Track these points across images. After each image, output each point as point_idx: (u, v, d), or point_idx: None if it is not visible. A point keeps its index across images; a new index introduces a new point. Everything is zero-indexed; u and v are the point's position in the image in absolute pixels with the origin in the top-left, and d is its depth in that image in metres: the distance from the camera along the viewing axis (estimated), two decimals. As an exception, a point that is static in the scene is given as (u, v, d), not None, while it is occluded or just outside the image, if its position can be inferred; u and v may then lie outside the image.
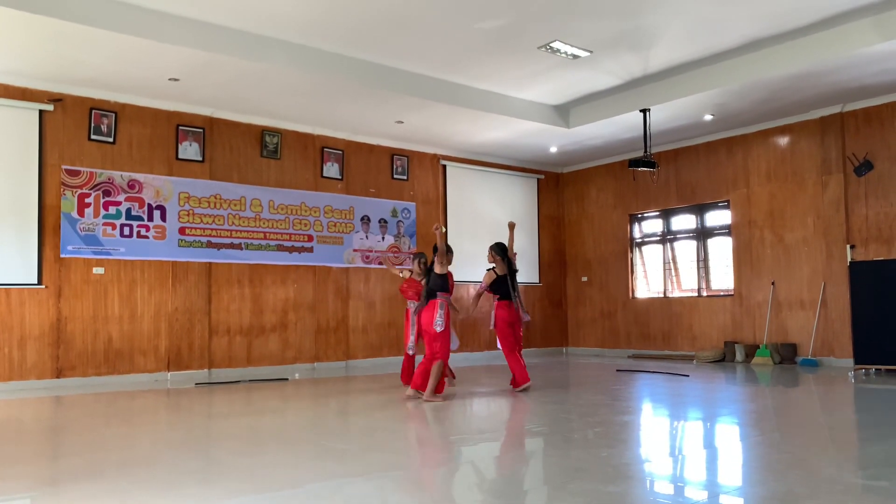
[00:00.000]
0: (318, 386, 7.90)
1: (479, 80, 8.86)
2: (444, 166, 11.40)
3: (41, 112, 7.90)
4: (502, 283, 7.16)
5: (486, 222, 11.78)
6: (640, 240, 11.92)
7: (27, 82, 7.79)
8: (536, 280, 12.43)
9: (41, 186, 7.86)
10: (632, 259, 11.92)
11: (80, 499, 3.17)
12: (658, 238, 11.64)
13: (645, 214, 11.79)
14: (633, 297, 11.81)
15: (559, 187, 12.94)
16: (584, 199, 12.62)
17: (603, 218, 12.27)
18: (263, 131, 9.51)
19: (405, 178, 10.93)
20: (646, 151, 9.73)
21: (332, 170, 10.14)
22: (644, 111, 9.29)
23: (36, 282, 7.75)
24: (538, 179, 12.60)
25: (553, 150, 11.47)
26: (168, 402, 6.79)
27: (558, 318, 12.73)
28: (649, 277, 11.84)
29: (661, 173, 10.76)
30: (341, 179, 10.24)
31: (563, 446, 4.32)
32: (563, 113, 10.07)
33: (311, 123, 9.78)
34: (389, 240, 10.64)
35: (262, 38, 7.38)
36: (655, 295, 11.60)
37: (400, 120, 9.67)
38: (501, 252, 7.17)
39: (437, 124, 9.91)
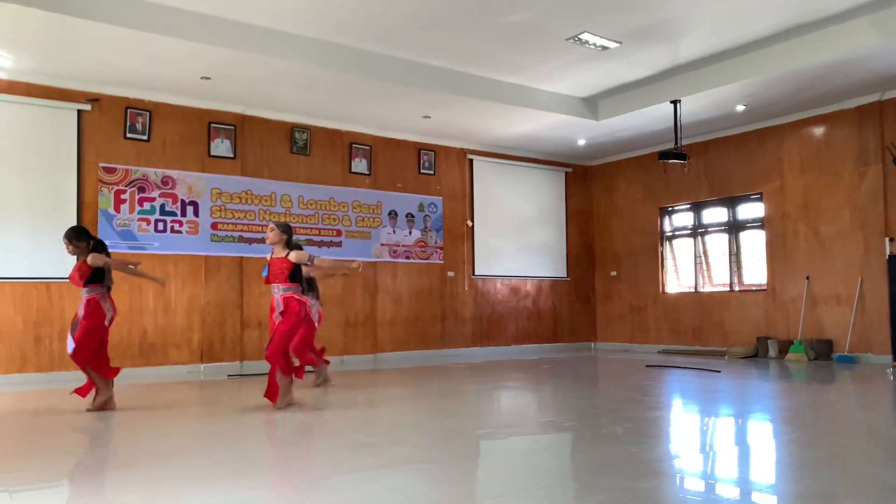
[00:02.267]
0: (347, 379, 7.97)
1: (507, 74, 8.84)
2: (471, 160, 11.39)
3: (79, 112, 8.09)
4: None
5: (512, 216, 11.76)
6: (670, 233, 11.79)
7: (66, 83, 7.97)
8: (564, 275, 12.38)
9: (80, 184, 8.05)
10: (662, 253, 11.80)
11: (116, 488, 3.26)
12: (689, 231, 11.51)
13: (675, 207, 11.66)
14: (664, 292, 11.69)
15: (587, 180, 12.85)
16: (613, 193, 12.52)
17: (632, 211, 12.16)
18: (293, 128, 9.60)
19: (432, 172, 10.96)
20: (676, 143, 9.61)
21: (360, 165, 10.21)
22: (674, 102, 9.18)
23: (74, 276, 7.93)
24: (566, 173, 12.53)
25: (581, 142, 11.39)
26: (201, 393, 6.92)
27: (587, 313, 12.66)
28: (680, 272, 11.71)
29: (692, 165, 10.62)
30: (369, 175, 10.30)
31: (591, 442, 4.32)
32: (592, 105, 9.99)
33: (340, 120, 9.85)
34: (416, 234, 10.68)
35: (291, 35, 7.45)
36: (686, 289, 11.47)
37: (427, 115, 9.69)
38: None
39: (464, 119, 9.90)
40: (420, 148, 10.83)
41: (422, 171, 10.85)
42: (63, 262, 7.88)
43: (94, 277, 5.62)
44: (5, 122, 7.69)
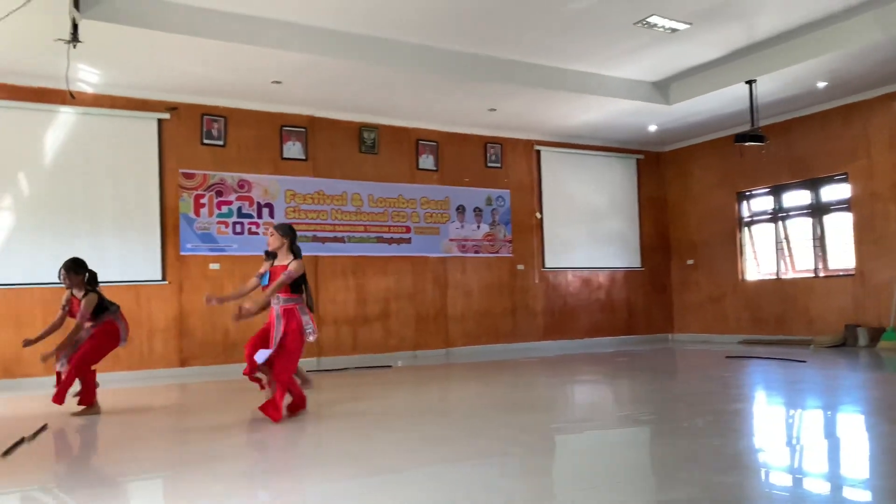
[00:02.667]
0: (420, 373, 8.07)
1: (573, 62, 8.71)
2: (539, 152, 11.29)
3: (159, 121, 8.47)
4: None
5: (583, 207, 11.59)
6: (748, 219, 11.37)
7: (146, 94, 8.35)
8: (638, 265, 12.12)
9: (161, 190, 8.43)
10: (740, 239, 11.39)
11: (203, 479, 3.40)
12: (769, 216, 11.06)
13: (754, 192, 11.22)
14: (743, 280, 11.29)
15: (660, 167, 12.53)
16: (687, 179, 12.15)
17: (708, 197, 11.77)
18: (361, 128, 9.75)
19: (499, 165, 10.92)
20: (753, 125, 9.25)
21: (427, 161, 10.27)
22: (750, 82, 8.83)
23: (160, 278, 8.34)
24: (637, 160, 12.25)
25: (652, 128, 11.11)
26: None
27: (662, 303, 12.35)
28: (760, 258, 11.28)
29: (770, 147, 10.18)
30: (436, 170, 10.35)
31: (671, 435, 4.22)
32: (663, 89, 9.72)
33: (406, 117, 9.94)
34: (485, 228, 10.67)
35: (357, 36, 7.56)
36: (767, 277, 11.04)
37: (493, 108, 9.66)
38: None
39: (530, 110, 9.82)
40: (486, 141, 10.81)
41: (489, 164, 10.83)
42: (151, 266, 8.30)
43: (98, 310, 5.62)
44: (94, 134, 8.12)
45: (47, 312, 7.70)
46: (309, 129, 9.37)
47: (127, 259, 8.16)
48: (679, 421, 4.65)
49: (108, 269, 8.00)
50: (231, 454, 4.00)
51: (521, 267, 10.97)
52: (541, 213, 11.20)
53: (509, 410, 5.36)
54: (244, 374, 5.30)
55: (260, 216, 8.96)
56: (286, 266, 4.97)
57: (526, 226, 11.08)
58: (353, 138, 9.73)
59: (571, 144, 11.57)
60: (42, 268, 7.58)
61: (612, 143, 11.87)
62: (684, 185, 12.20)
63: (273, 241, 5.09)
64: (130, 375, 8.00)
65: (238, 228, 8.82)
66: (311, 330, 4.94)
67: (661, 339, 12.15)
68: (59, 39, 6.15)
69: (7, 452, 3.99)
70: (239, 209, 8.85)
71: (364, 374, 8.04)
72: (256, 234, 8.91)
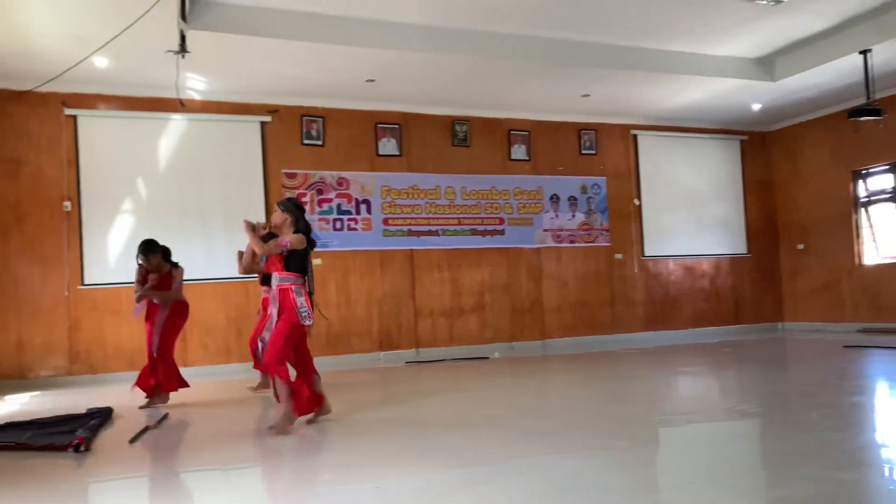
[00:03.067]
0: (517, 364, 8.06)
1: (670, 42, 8.40)
2: (635, 136, 10.98)
3: (262, 123, 8.86)
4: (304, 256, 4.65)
5: (684, 192, 11.19)
6: (865, 199, 10.61)
7: (249, 98, 8.75)
8: (744, 251, 11.58)
9: (266, 190, 8.82)
10: (857, 221, 10.66)
11: (311, 468, 3.55)
12: (889, 195, 10.28)
13: (871, 170, 10.46)
14: (861, 264, 10.56)
15: (766, 147, 11.90)
16: (796, 159, 11.48)
17: (820, 177, 11.08)
18: (453, 121, 9.82)
19: (594, 152, 10.71)
20: (868, 98, 8.61)
21: (519, 151, 10.22)
22: (864, 52, 8.23)
23: (266, 275, 8.73)
24: (741, 141, 11.69)
25: (756, 107, 10.56)
26: (382, 379, 7.33)
27: (772, 291, 11.75)
28: (879, 241, 10.51)
29: (889, 121, 9.45)
30: (529, 160, 10.28)
31: (783, 429, 4.03)
32: (767, 65, 9.22)
33: (498, 108, 9.92)
34: (580, 217, 10.50)
35: (446, 29, 7.61)
36: (889, 260, 10.28)
37: (586, 93, 9.48)
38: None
39: (625, 93, 9.57)
40: (580, 128, 10.63)
41: (583, 151, 10.65)
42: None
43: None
44: (202, 139, 8.60)
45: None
46: (402, 125, 9.53)
47: (235, 257, 8.56)
48: (791, 414, 4.43)
49: (217, 266, 8.46)
50: (332, 444, 4.15)
51: (619, 256, 10.73)
52: (639, 199, 10.91)
53: (610, 403, 5.28)
54: (255, 368, 5.31)
55: (358, 212, 9.21)
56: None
57: (624, 213, 10.82)
58: (446, 132, 9.82)
59: (670, 127, 11.18)
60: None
61: (714, 124, 11.38)
62: (793, 166, 11.53)
63: (276, 216, 4.61)
64: (240, 367, 8.42)
65: (338, 225, 9.11)
66: (305, 313, 4.45)
67: (770, 329, 11.57)
68: (170, 51, 6.54)
69: (134, 440, 4.31)
70: (338, 206, 9.13)
71: (461, 366, 8.12)
72: (356, 230, 9.18)
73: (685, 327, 11.02)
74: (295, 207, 4.63)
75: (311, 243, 4.62)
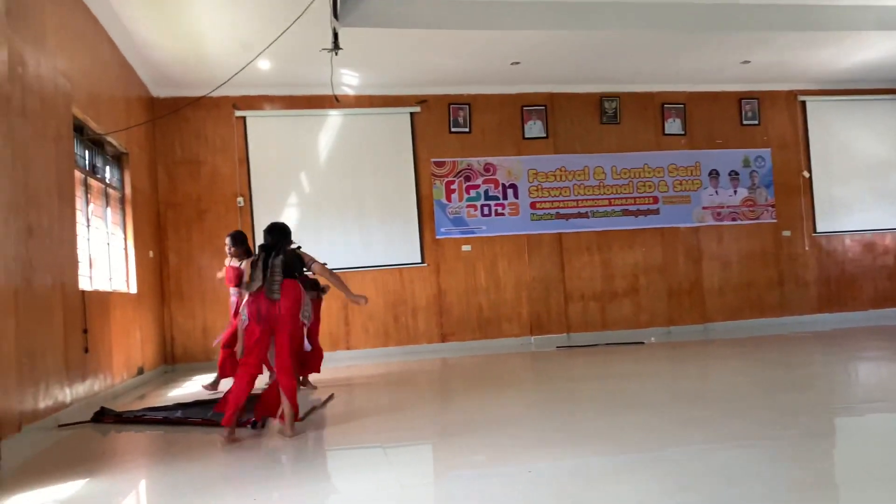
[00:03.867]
0: (675, 349, 7.75)
1: (842, -3, 7.60)
2: (803, 102, 10.09)
3: (411, 114, 9.14)
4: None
5: (861, 161, 10.16)
6: None
7: (398, 90, 9.06)
8: (938, 223, 10.31)
9: (417, 179, 9.11)
10: None
11: (464, 451, 3.64)
12: None
13: None
14: None
15: (965, 106, 10.47)
16: None
17: None
18: (602, 98, 9.56)
19: (756, 122, 9.97)
20: None
21: (673, 126, 9.75)
22: None
23: (420, 261, 9.04)
24: (931, 101, 10.38)
25: (952, 61, 9.31)
26: (533, 364, 7.35)
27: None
28: None
29: None
30: (684, 134, 9.78)
31: None
32: (964, 13, 8.08)
33: (649, 81, 9.52)
34: (743, 193, 9.84)
35: (593, 4, 7.38)
36: None
37: (746, 59, 8.84)
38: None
39: (790, 56, 8.81)
40: (741, 97, 9.94)
41: (744, 122, 9.96)
42: (412, 250, 9.02)
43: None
44: (357, 132, 9.02)
45: (329, 294, 8.78)
46: (548, 106, 9.42)
47: (391, 244, 8.96)
48: None
49: (375, 254, 8.88)
50: (485, 427, 4.23)
51: (786, 233, 9.96)
52: (809, 171, 10.04)
53: (778, 390, 4.94)
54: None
55: (505, 197, 9.25)
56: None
57: (791, 187, 10.01)
58: (594, 110, 9.57)
59: (843, 91, 10.15)
60: (321, 257, 8.62)
61: (894, 84, 10.18)
62: None
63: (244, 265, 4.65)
64: (398, 350, 8.79)
65: (486, 211, 9.21)
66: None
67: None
68: (324, 49, 6.90)
69: (302, 418, 4.64)
70: (486, 192, 9.22)
71: (615, 351, 7.95)
72: (503, 215, 9.23)
73: (864, 308, 10.02)
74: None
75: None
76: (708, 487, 2.74)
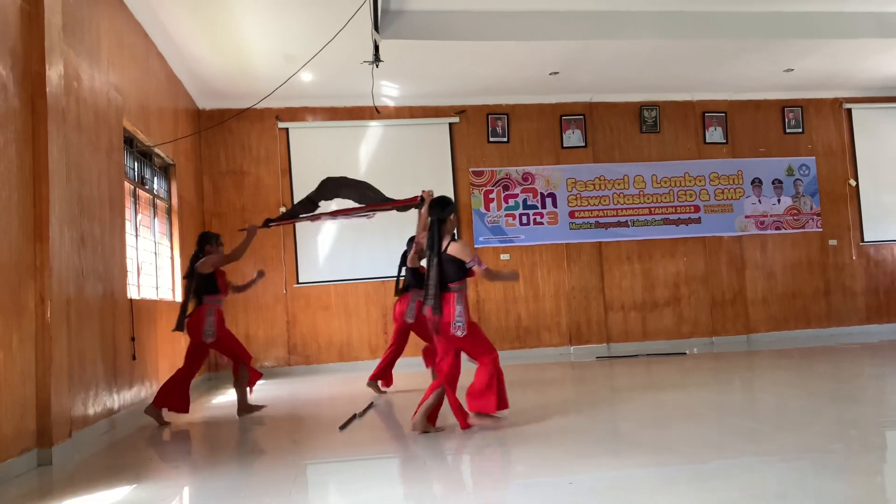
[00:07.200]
0: (718, 360, 7.62)
1: (885, 1, 7.43)
2: (849, 110, 9.87)
3: (450, 125, 9.20)
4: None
5: (913, 168, 9.87)
6: None
7: (438, 101, 9.13)
8: None
9: (455, 188, 9.15)
10: None
11: (505, 462, 3.64)
12: None
13: None
14: None
15: None
16: None
17: None
18: (641, 107, 9.49)
19: (800, 130, 9.79)
20: None
21: (714, 134, 9.62)
22: None
23: (457, 270, 9.05)
24: None
25: None
26: (573, 374, 7.29)
27: None
28: None
29: None
30: (726, 143, 9.64)
31: None
32: None
33: (690, 90, 9.43)
34: (787, 201, 9.66)
35: (631, 13, 7.35)
36: None
37: (789, 67, 8.70)
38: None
39: (835, 64, 8.64)
40: (784, 105, 9.77)
41: (787, 130, 9.78)
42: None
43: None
44: (396, 143, 9.11)
45: (370, 303, 8.88)
46: (587, 115, 9.39)
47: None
48: None
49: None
50: (525, 439, 4.21)
51: (833, 242, 9.73)
52: (856, 179, 9.80)
53: (827, 402, 4.82)
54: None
55: (544, 206, 9.23)
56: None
57: (838, 195, 9.79)
58: (633, 119, 9.51)
59: (891, 98, 9.91)
60: (361, 265, 8.76)
61: (950, 88, 9.91)
62: None
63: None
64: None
65: (524, 220, 9.20)
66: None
67: None
68: (365, 61, 7.01)
69: (343, 427, 4.70)
70: (524, 201, 9.22)
71: (656, 362, 7.84)
72: (542, 224, 9.21)
73: (916, 319, 9.73)
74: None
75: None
76: (753, 501, 2.69)
